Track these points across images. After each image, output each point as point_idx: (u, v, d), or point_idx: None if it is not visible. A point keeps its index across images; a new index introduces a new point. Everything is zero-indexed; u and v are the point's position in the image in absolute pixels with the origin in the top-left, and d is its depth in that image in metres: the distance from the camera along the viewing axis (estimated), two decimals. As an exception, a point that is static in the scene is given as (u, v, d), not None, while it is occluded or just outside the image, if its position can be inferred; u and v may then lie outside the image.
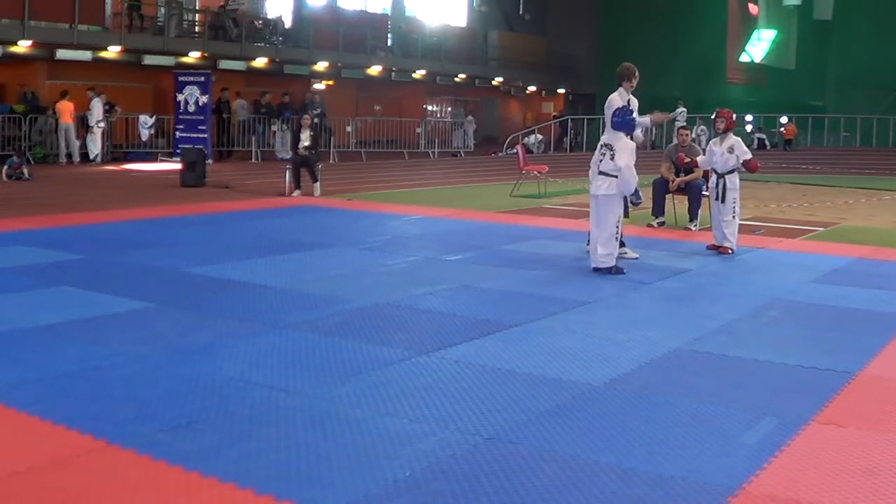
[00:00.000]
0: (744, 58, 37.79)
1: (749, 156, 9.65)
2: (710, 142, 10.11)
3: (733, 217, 9.59)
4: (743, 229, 10.14)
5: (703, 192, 11.79)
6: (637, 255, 8.94)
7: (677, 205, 12.37)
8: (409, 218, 12.45)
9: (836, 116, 32.33)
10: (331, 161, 22.06)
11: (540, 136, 31.30)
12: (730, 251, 9.53)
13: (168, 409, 4.18)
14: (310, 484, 3.41)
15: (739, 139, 9.84)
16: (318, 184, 14.84)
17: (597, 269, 8.18)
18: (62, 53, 20.47)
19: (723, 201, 9.59)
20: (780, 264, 9.12)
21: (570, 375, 4.92)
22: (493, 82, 34.55)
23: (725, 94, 34.90)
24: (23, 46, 19.64)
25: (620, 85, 8.75)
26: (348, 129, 25.56)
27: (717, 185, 9.68)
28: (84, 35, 20.44)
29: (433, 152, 27.22)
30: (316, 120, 22.57)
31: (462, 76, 32.39)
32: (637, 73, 8.78)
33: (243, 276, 7.52)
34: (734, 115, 10.14)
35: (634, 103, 9.00)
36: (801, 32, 36.94)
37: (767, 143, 31.14)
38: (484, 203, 14.56)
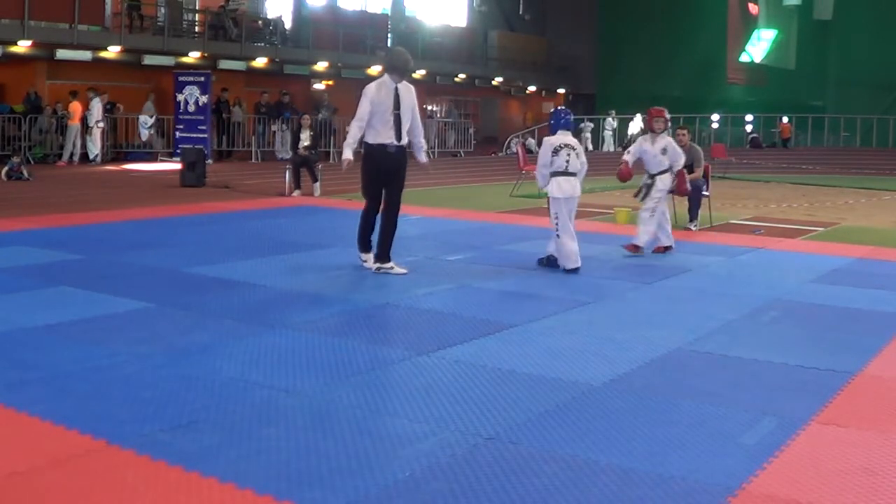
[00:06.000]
0: (744, 58, 37.79)
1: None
2: (641, 138, 9.75)
3: (651, 215, 9.30)
4: (743, 229, 10.13)
5: (704, 193, 11.79)
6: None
7: (677, 205, 12.36)
8: (409, 218, 12.40)
9: (836, 116, 32.34)
10: (331, 161, 22.05)
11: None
12: (652, 250, 9.35)
13: (168, 409, 4.18)
14: (310, 484, 3.41)
15: (672, 141, 9.60)
16: (318, 184, 14.84)
17: (572, 270, 8.11)
18: (62, 53, 20.46)
19: (643, 199, 9.38)
20: (780, 264, 9.12)
21: (570, 375, 4.92)
22: (493, 82, 34.53)
23: (725, 94, 34.91)
24: (23, 46, 19.63)
25: (388, 73, 7.72)
26: (348, 129, 25.51)
27: (646, 183, 9.41)
28: (84, 35, 20.43)
29: (433, 152, 27.22)
30: (321, 118, 22.58)
31: (462, 76, 32.37)
32: (410, 64, 7.87)
33: (243, 276, 7.52)
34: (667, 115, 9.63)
35: (406, 96, 7.87)
36: (801, 32, 36.92)
37: (761, 140, 31.19)
38: (484, 203, 14.55)
